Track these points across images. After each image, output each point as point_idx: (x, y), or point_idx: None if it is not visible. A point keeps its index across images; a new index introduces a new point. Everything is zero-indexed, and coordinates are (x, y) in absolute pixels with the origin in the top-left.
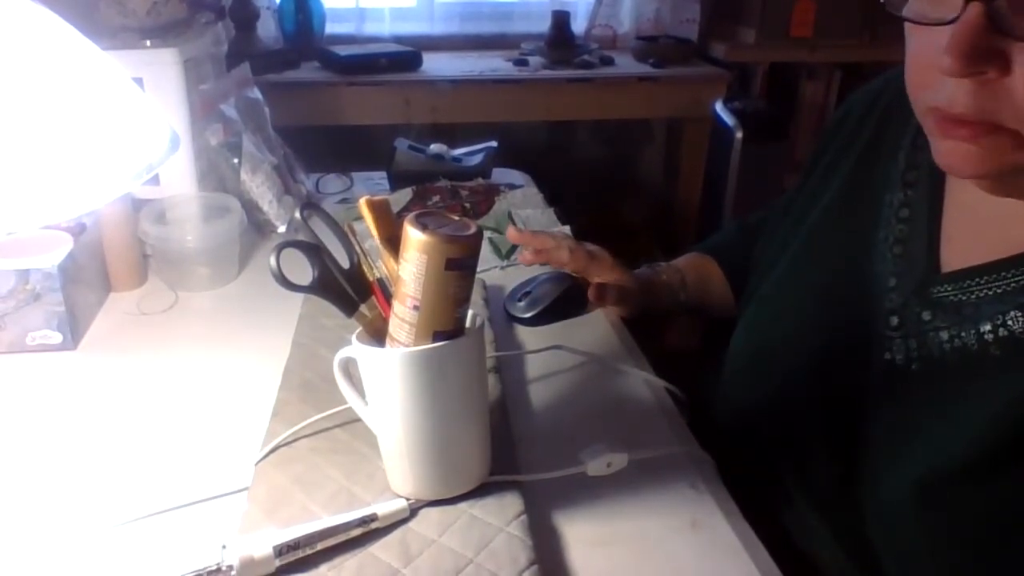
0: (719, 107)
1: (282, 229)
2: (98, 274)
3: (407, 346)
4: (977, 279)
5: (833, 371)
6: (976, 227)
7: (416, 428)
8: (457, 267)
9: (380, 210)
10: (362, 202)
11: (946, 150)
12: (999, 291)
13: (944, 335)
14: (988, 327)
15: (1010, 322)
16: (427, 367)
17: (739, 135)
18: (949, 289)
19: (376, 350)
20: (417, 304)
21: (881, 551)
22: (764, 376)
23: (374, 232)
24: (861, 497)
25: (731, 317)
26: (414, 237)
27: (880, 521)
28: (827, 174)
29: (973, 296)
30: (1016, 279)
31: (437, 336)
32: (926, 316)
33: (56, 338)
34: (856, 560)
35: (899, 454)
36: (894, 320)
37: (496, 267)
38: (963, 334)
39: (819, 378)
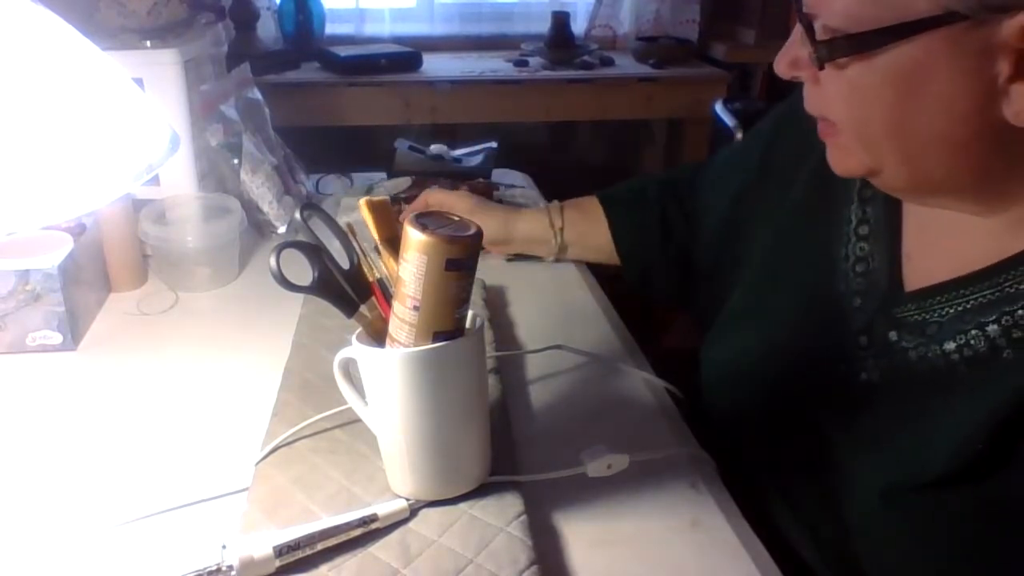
0: (719, 108)
1: (282, 230)
2: (98, 274)
3: (407, 347)
4: (938, 297)
5: (806, 389)
6: (934, 244)
7: (416, 429)
8: (457, 267)
9: (380, 210)
10: (362, 202)
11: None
12: (960, 309)
13: (912, 355)
14: (952, 346)
15: (972, 341)
16: (427, 368)
17: (739, 136)
18: (912, 308)
19: (376, 351)
20: (417, 304)
21: (863, 564)
22: (739, 391)
23: (374, 232)
24: (840, 511)
25: (614, 264)
26: (414, 237)
27: (859, 534)
28: (785, 177)
29: (935, 315)
30: (974, 296)
31: (437, 337)
32: (892, 336)
33: (56, 338)
34: (840, 571)
35: (869, 467)
36: (863, 340)
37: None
38: (929, 354)
39: (793, 395)
